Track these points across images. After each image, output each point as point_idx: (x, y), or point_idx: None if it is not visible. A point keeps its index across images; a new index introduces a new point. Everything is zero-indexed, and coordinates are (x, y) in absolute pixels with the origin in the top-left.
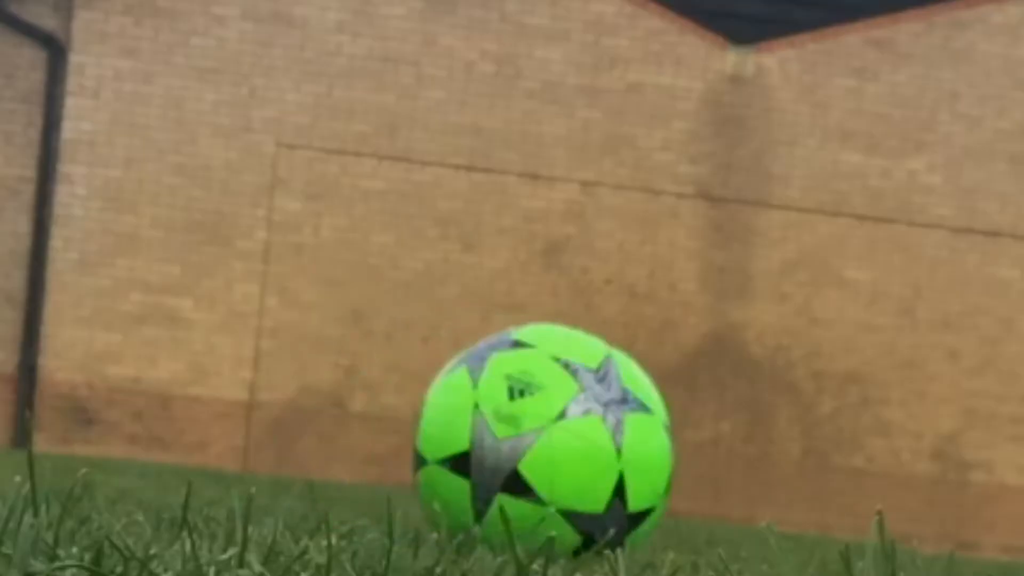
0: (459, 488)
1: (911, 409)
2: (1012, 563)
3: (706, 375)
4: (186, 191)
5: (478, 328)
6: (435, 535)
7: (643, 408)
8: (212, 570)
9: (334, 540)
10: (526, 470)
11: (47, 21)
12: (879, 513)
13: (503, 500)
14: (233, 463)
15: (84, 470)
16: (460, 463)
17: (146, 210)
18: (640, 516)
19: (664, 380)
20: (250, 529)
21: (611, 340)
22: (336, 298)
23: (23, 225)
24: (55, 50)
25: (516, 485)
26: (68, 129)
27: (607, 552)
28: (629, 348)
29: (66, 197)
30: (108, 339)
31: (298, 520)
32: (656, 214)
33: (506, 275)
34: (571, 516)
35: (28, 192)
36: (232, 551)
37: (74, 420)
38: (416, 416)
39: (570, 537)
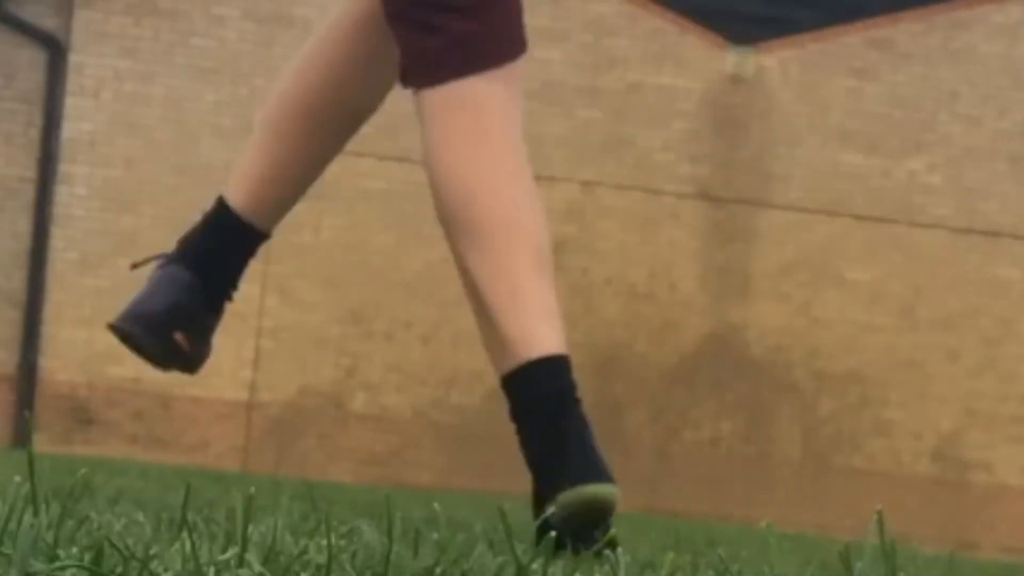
0: None
1: (911, 409)
2: (1012, 563)
3: (706, 375)
4: (186, 191)
5: (477, 328)
6: (435, 535)
7: None
8: (212, 570)
9: (334, 540)
10: None
11: (47, 21)
12: (879, 513)
13: None
14: (233, 463)
15: (84, 470)
16: None
17: (146, 210)
18: None
19: (664, 380)
20: (250, 529)
21: (611, 340)
22: (336, 298)
23: (23, 225)
24: (55, 50)
25: None
26: (68, 129)
27: (607, 552)
28: (629, 348)
29: (66, 197)
30: (108, 339)
31: (298, 520)
32: (656, 214)
33: None
34: None
35: (28, 192)
36: (232, 551)
37: (74, 420)
38: (416, 416)
39: None
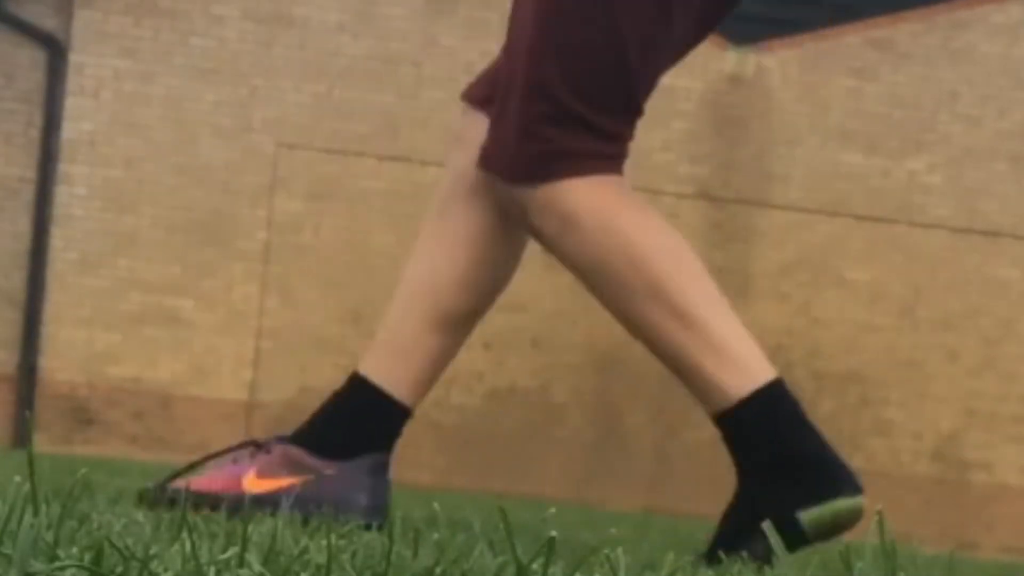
0: None
1: (911, 409)
2: (1012, 563)
3: None
4: (186, 191)
5: (477, 328)
6: (435, 535)
7: None
8: (212, 570)
9: (334, 540)
10: None
11: (47, 21)
12: (879, 513)
13: None
14: None
15: (84, 470)
16: None
17: (146, 210)
18: None
19: (664, 380)
20: (250, 529)
21: (611, 340)
22: (336, 298)
23: (23, 225)
24: (55, 50)
25: None
26: (68, 129)
27: (606, 551)
28: (629, 348)
29: (66, 197)
30: (108, 339)
31: (298, 520)
32: None
33: None
34: None
35: (28, 192)
36: (232, 551)
37: (74, 420)
38: (416, 416)
39: None
